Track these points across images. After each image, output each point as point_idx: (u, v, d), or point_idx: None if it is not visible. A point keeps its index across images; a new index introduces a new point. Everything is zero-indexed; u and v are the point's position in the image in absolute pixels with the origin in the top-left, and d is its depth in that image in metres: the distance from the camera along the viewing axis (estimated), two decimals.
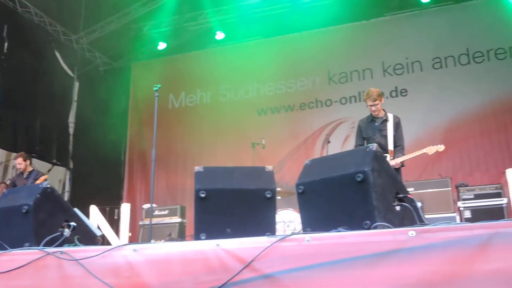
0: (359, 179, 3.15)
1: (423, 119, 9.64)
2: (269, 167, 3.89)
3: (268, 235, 3.21)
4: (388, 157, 6.07)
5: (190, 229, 9.41)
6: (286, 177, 10.60)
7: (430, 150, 6.16)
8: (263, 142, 8.98)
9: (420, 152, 6.14)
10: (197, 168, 3.87)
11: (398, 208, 3.27)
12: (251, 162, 9.03)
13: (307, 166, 3.69)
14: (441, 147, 6.16)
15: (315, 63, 11.31)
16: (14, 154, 10.71)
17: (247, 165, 10.09)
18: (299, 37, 11.52)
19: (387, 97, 10.65)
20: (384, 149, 6.11)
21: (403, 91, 10.62)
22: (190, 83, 12.43)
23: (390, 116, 6.31)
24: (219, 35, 11.76)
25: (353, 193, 3.21)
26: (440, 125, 10.06)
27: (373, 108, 6.23)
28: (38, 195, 3.95)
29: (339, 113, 10.80)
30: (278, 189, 8.29)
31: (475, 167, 9.66)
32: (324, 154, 9.44)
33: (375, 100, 6.19)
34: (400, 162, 6.05)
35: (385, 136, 6.19)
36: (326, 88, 11.23)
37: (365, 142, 6.39)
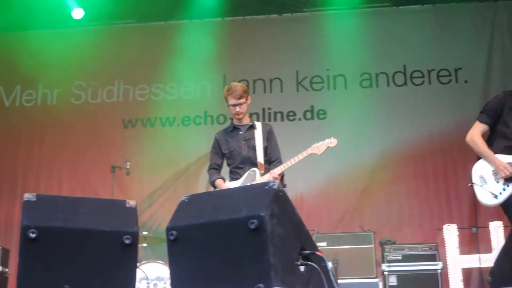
0: (252, 227, 3.19)
1: (343, 153, 9.91)
2: (131, 202, 3.86)
3: None
4: (257, 171, 6.19)
5: (14, 281, 9.05)
6: (157, 217, 10.52)
7: (318, 149, 6.16)
8: (128, 166, 8.87)
9: (304, 154, 6.12)
10: (27, 196, 3.75)
11: (302, 268, 3.33)
12: (109, 192, 8.88)
13: (183, 204, 3.70)
14: (333, 142, 6.19)
15: (207, 63, 11.37)
16: None
17: (104, 196, 10.08)
18: (188, 26, 11.59)
19: (299, 119, 10.97)
20: (254, 163, 6.27)
21: (321, 112, 10.95)
22: (29, 74, 11.97)
23: (258, 124, 6.50)
24: (77, 12, 11.48)
25: (244, 245, 3.24)
26: (365, 162, 10.45)
27: (237, 109, 6.33)
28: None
29: None
30: (144, 233, 8.22)
31: (406, 220, 10.10)
32: (212, 189, 9.51)
33: (240, 98, 6.30)
34: (279, 174, 6.12)
35: (254, 148, 6.32)
36: (220, 99, 11.10)
37: (225, 160, 6.52)
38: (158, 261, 7.80)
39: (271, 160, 6.31)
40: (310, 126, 10.77)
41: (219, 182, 6.36)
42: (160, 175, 11.02)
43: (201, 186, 10.70)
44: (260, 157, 6.25)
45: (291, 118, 11.03)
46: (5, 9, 11.43)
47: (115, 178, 8.91)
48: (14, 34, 12.11)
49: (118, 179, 9.13)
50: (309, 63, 11.26)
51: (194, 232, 3.45)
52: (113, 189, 8.86)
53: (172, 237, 3.52)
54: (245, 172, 6.21)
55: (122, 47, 11.81)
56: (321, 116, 10.96)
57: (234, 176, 6.31)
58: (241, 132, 6.42)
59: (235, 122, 6.49)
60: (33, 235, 3.57)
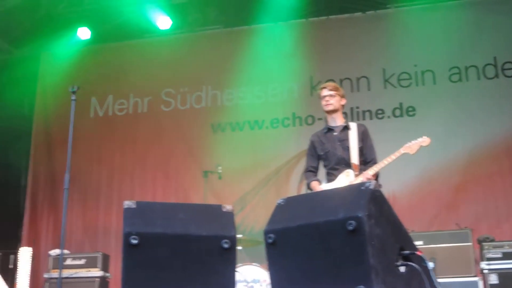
0: (350, 228, 3.17)
1: (435, 149, 9.72)
2: (227, 207, 3.90)
3: None
4: (352, 173, 6.14)
5: (115, 286, 9.32)
6: (250, 219, 10.58)
7: (411, 148, 6.14)
8: (219, 171, 8.97)
9: (397, 155, 6.09)
10: (127, 203, 3.84)
11: (402, 269, 3.29)
12: (202, 197, 8.99)
13: (280, 207, 3.71)
14: (425, 141, 6.18)
15: (293, 65, 11.39)
16: None
17: (196, 201, 10.26)
18: (272, 29, 11.61)
19: (388, 116, 10.83)
20: (348, 164, 6.22)
21: (410, 109, 10.78)
22: (121, 84, 12.34)
23: (353, 125, 6.44)
24: (164, 21, 11.73)
25: (342, 247, 3.23)
26: (457, 157, 10.21)
27: (327, 98, 6.39)
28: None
29: None
30: (239, 236, 8.28)
31: (504, 216, 9.82)
32: (303, 190, 9.48)
33: (332, 90, 6.39)
34: (372, 175, 6.07)
35: (348, 148, 6.28)
36: (308, 100, 11.30)
37: (320, 162, 6.51)
38: (253, 263, 7.84)
39: (367, 161, 6.26)
40: (399, 123, 10.61)
41: (314, 184, 6.37)
42: (251, 178, 11.08)
43: (292, 187, 10.72)
44: (355, 158, 6.20)
45: (379, 116, 10.89)
46: (97, 22, 11.83)
47: (208, 182, 9.02)
48: (106, 46, 12.49)
49: (210, 183, 9.24)
50: (395, 60, 11.09)
51: (291, 235, 3.46)
52: (206, 193, 8.97)
53: (270, 240, 3.54)
54: (340, 173, 6.19)
55: (209, 53, 11.94)
56: (411, 113, 10.78)
57: (330, 177, 6.30)
58: (335, 133, 6.40)
59: (330, 123, 6.48)
60: (135, 241, 3.66)
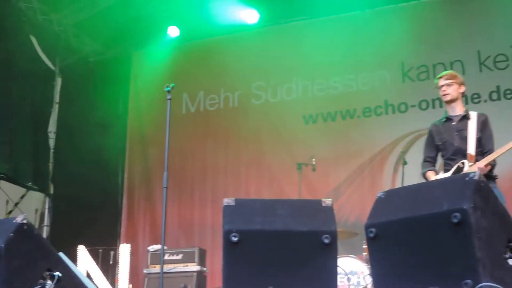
0: (455, 221, 3.11)
1: None
2: (327, 201, 3.88)
3: None
4: (467, 163, 5.98)
5: (212, 280, 9.45)
6: (344, 211, 10.50)
7: None
8: (313, 163, 8.94)
9: (511, 145, 5.85)
10: (227, 201, 3.88)
11: (511, 262, 3.20)
12: (297, 190, 8.99)
13: (380, 200, 3.67)
14: None
15: (383, 52, 11.23)
16: None
17: (291, 194, 10.29)
18: (360, 16, 11.49)
19: (485, 100, 10.53)
20: (465, 155, 6.08)
21: (508, 92, 10.46)
22: (211, 79, 12.49)
23: (473, 114, 6.27)
24: (252, 15, 11.81)
25: (447, 240, 3.17)
26: None
27: (444, 88, 6.31)
28: (12, 234, 3.99)
29: (418, 121, 10.64)
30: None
31: None
32: (398, 179, 9.36)
33: (448, 79, 6.31)
34: (485, 165, 5.88)
35: (465, 138, 6.14)
36: (400, 87, 11.14)
37: (438, 152, 6.42)
38: (350, 255, 7.79)
39: (484, 151, 6.08)
40: (497, 107, 10.27)
41: (429, 173, 6.32)
42: (345, 169, 11.01)
43: (387, 177, 10.59)
44: (471, 148, 6.04)
45: (475, 100, 10.58)
46: (186, 19, 12.02)
47: (302, 174, 9.01)
48: (195, 43, 12.66)
49: (304, 176, 9.22)
50: (490, 42, 10.73)
51: (393, 229, 3.42)
52: (301, 185, 8.97)
53: (371, 235, 3.51)
54: (456, 164, 6.08)
55: (298, 44, 11.91)
56: (509, 96, 10.43)
57: (447, 168, 6.21)
58: (453, 123, 6.29)
59: (449, 113, 6.37)
60: (235, 239, 3.70)
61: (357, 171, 10.92)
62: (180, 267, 8.88)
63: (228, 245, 3.72)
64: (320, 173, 9.84)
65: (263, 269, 3.75)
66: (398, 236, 3.40)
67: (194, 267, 8.87)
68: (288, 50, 11.98)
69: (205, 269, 9.07)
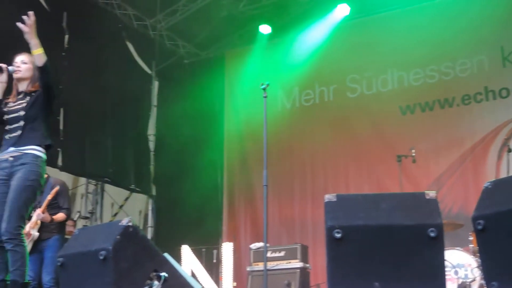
0: None
1: None
2: (431, 193, 3.79)
3: None
4: None
5: (314, 276, 9.44)
6: (447, 201, 10.28)
7: None
8: (413, 154, 8.80)
9: None
10: (328, 197, 3.85)
11: None
12: (397, 183, 8.87)
13: (487, 191, 3.55)
14: None
15: (481, 37, 10.91)
16: (82, 179, 11.31)
17: (392, 188, 10.16)
18: (455, 2, 11.19)
19: None
20: None
21: None
22: (305, 75, 12.47)
23: None
24: (341, 9, 11.72)
25: None
26: None
27: None
28: (118, 237, 4.10)
29: None
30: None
31: None
32: (503, 167, 9.09)
33: None
34: None
35: None
36: (500, 72, 10.79)
37: None
38: (456, 247, 7.61)
39: None
40: None
41: None
42: (445, 159, 10.77)
43: (490, 166, 10.29)
44: None
45: None
46: (276, 16, 12.06)
47: (402, 166, 8.88)
48: (284, 39, 12.67)
49: (404, 168, 9.08)
50: None
51: (503, 220, 3.30)
52: (401, 178, 8.84)
53: (479, 227, 3.40)
54: None
55: (389, 35, 11.74)
56: None
57: None
58: None
59: None
60: (338, 235, 3.66)
61: (459, 160, 10.64)
62: (283, 264, 8.92)
63: (332, 242, 3.68)
64: (421, 164, 9.69)
65: (368, 265, 3.70)
66: (509, 227, 3.27)
67: (297, 263, 8.90)
68: (381, 41, 11.82)
69: (308, 265, 9.08)
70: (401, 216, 3.70)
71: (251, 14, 12.29)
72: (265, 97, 6.07)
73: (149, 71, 13.11)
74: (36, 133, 4.98)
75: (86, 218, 11.00)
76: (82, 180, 11.39)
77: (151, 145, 12.82)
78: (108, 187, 11.69)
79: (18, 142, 4.91)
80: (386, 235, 3.67)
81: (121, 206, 11.94)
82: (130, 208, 11.98)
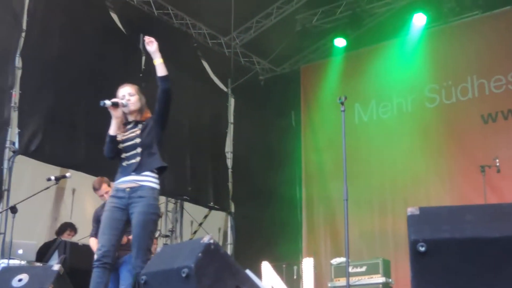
0: None
1: None
2: None
3: None
4: None
5: None
6: None
7: None
8: (497, 164, 8.57)
9: None
10: (411, 210, 3.76)
11: None
12: (482, 194, 8.65)
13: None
14: None
15: None
16: (162, 198, 11.47)
17: (475, 199, 9.91)
18: None
19: None
20: None
21: None
22: (381, 86, 12.36)
23: None
24: (418, 18, 11.56)
25: None
26: None
27: None
28: (200, 254, 4.11)
29: None
30: None
31: None
32: None
33: None
34: None
35: None
36: None
37: None
38: None
39: None
40: None
41: None
42: None
43: None
44: None
45: None
46: (351, 29, 12.01)
47: (486, 177, 8.67)
48: (361, 51, 12.66)
49: (488, 178, 8.85)
50: None
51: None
52: (485, 188, 8.62)
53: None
54: None
55: (469, 41, 11.52)
56: None
57: None
58: None
59: None
60: (422, 249, 3.56)
61: None
62: (365, 279, 8.82)
63: (416, 256, 3.59)
64: (505, 174, 9.40)
65: (455, 279, 3.59)
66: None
67: (379, 278, 8.78)
68: (460, 49, 11.62)
69: (390, 280, 8.93)
70: (488, 228, 3.57)
71: (325, 28, 12.29)
72: (343, 110, 6.01)
73: (225, 89, 13.22)
74: (153, 157, 5.15)
75: (166, 236, 11.14)
76: (162, 199, 11.53)
77: (229, 163, 12.89)
78: (187, 205, 11.83)
79: (138, 168, 5.07)
80: (474, 248, 3.56)
81: (200, 224, 12.04)
82: (210, 226, 12.06)
